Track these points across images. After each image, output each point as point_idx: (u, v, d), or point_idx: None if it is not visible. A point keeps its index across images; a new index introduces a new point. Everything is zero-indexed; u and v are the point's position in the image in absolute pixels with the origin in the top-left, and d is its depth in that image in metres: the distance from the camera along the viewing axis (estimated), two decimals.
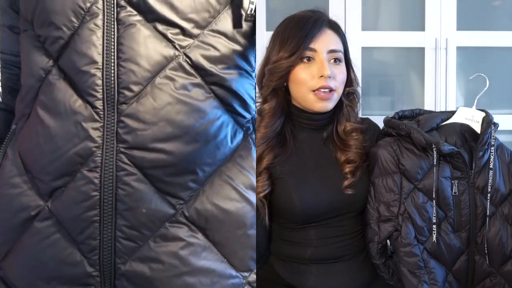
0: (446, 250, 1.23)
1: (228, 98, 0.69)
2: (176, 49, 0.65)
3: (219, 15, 0.67)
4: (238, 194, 0.68)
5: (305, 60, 1.23)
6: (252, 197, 0.70)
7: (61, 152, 0.64)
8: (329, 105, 1.24)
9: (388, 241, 1.26)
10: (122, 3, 0.64)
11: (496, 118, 1.30)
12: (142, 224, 0.63)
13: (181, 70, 0.64)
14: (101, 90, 0.64)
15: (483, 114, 1.30)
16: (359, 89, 1.33)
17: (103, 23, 0.64)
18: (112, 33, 0.63)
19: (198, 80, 0.66)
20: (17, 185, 0.67)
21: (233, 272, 0.69)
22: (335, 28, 1.27)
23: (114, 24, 0.63)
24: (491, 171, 1.22)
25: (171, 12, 0.64)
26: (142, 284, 0.64)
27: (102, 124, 0.63)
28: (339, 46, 1.26)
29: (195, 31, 0.66)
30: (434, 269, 1.23)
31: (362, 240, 1.29)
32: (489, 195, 1.22)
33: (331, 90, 1.22)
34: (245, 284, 0.70)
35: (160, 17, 0.64)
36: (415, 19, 2.26)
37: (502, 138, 1.32)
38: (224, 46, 0.68)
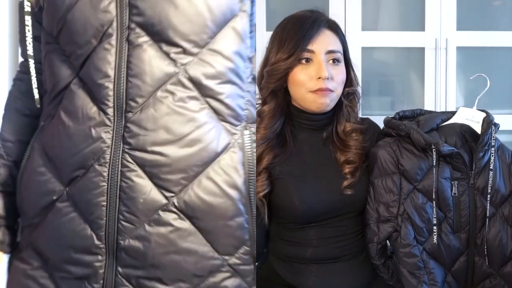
0: (445, 250, 1.23)
1: (220, 109, 0.82)
2: (177, 66, 0.79)
3: (216, 36, 0.79)
4: (220, 190, 0.81)
5: (303, 61, 1.22)
6: (233, 193, 0.83)
7: (78, 149, 0.81)
8: (328, 103, 1.24)
9: (387, 241, 1.26)
10: (132, 25, 0.78)
11: (496, 118, 1.30)
12: (140, 211, 0.80)
13: (180, 85, 0.79)
14: (112, 100, 0.79)
15: (484, 114, 1.30)
16: (359, 89, 1.33)
17: (116, 43, 0.78)
18: (123, 52, 0.78)
19: (195, 93, 0.80)
20: (43, 173, 0.84)
21: (215, 255, 0.83)
22: (334, 28, 1.27)
23: (125, 44, 0.78)
24: (491, 172, 1.22)
25: (174, 34, 0.77)
26: (137, 257, 0.81)
27: (112, 128, 0.80)
28: (337, 46, 1.25)
29: (195, 50, 0.79)
30: (433, 270, 1.23)
31: (362, 240, 1.29)
32: (489, 196, 1.22)
33: (329, 91, 1.22)
34: (225, 265, 0.84)
35: (164, 39, 0.78)
36: (415, 19, 2.26)
37: (502, 138, 1.31)
38: (220, 63, 0.80)
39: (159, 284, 0.82)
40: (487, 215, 1.22)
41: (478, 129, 1.28)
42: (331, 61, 1.24)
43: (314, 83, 1.21)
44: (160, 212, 0.81)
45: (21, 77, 0.95)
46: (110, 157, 0.80)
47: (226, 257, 0.84)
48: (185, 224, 0.82)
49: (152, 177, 0.80)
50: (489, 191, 1.22)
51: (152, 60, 0.78)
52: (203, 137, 0.81)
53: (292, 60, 1.21)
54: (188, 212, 0.82)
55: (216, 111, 0.82)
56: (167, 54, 0.78)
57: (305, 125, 1.29)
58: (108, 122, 0.80)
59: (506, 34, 2.23)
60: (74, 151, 0.82)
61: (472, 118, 1.30)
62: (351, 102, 1.30)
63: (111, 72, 0.79)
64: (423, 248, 1.22)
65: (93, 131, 0.80)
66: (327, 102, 1.23)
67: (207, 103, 0.81)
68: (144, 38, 0.78)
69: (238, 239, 0.85)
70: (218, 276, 0.83)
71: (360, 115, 1.36)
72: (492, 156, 1.23)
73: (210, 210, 0.82)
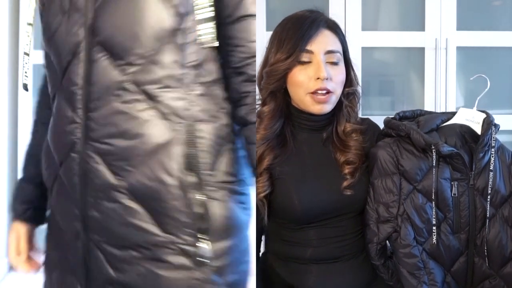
0: (445, 251, 1.22)
1: (161, 109, 0.98)
2: (124, 75, 0.97)
3: (158, 49, 0.97)
4: (155, 177, 0.98)
5: (302, 62, 1.22)
6: (167, 178, 0.99)
7: (61, 140, 1.04)
8: (327, 107, 1.23)
9: (387, 242, 1.26)
10: (94, 44, 0.98)
11: (496, 118, 1.29)
12: (96, 190, 1.00)
13: (126, 90, 0.97)
14: (81, 103, 1.00)
15: (484, 115, 1.29)
16: (359, 89, 1.33)
17: (84, 59, 0.99)
18: (88, 65, 0.99)
19: (139, 96, 0.97)
20: (51, 157, 1.08)
21: (160, 233, 0.99)
22: (333, 28, 1.26)
23: (89, 59, 0.99)
24: (491, 173, 1.22)
25: (122, 50, 0.97)
26: (96, 225, 1.01)
27: (81, 124, 1.00)
28: (336, 46, 1.25)
29: (139, 61, 0.97)
30: (433, 270, 1.22)
31: (362, 240, 1.28)
32: (489, 196, 1.22)
33: (328, 92, 1.21)
34: (169, 243, 0.99)
35: (115, 54, 0.97)
36: (415, 19, 2.26)
37: (502, 138, 1.31)
38: (161, 72, 0.98)
39: (115, 249, 1.01)
40: (487, 215, 1.22)
41: (478, 129, 1.28)
42: (330, 62, 1.23)
43: (313, 83, 1.21)
44: (113, 192, 0.99)
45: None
46: (80, 147, 1.01)
47: (171, 237, 1.00)
48: (133, 204, 0.99)
49: (105, 163, 1.00)
50: (489, 191, 1.22)
51: (106, 71, 0.98)
52: (144, 132, 0.98)
53: (290, 61, 1.21)
54: (134, 193, 0.99)
55: (158, 111, 0.99)
56: (117, 66, 0.98)
57: (305, 125, 1.28)
58: (78, 120, 1.01)
59: (506, 34, 2.24)
60: (59, 142, 1.05)
61: (472, 119, 1.30)
62: (351, 102, 1.29)
63: (80, 82, 1.00)
64: (422, 249, 1.22)
65: (68, 127, 1.02)
66: (325, 107, 1.23)
67: (149, 104, 0.98)
68: (101, 54, 0.98)
69: (177, 220, 1.00)
70: (164, 250, 1.00)
71: (360, 115, 1.35)
72: (492, 157, 1.23)
73: (150, 193, 0.99)
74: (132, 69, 0.97)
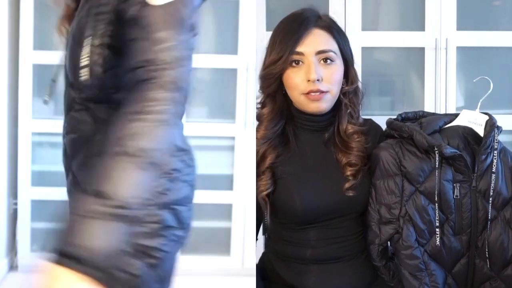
0: (446, 252, 1.22)
1: (94, 116, 1.07)
2: (74, 92, 1.10)
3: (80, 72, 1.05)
4: (85, 164, 1.03)
5: (293, 64, 1.21)
6: (94, 161, 0.94)
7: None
8: (323, 105, 1.22)
9: (388, 243, 1.26)
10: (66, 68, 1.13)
11: (496, 118, 1.30)
12: (68, 166, 1.13)
13: (75, 102, 1.09)
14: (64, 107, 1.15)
15: (486, 117, 1.29)
16: (360, 85, 1.31)
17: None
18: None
19: (82, 107, 1.08)
20: None
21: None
22: (325, 26, 1.24)
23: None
24: (493, 175, 1.22)
25: (69, 74, 1.11)
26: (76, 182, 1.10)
27: (65, 121, 1.12)
28: (329, 45, 1.22)
29: (75, 84, 1.07)
30: (435, 272, 1.22)
31: (363, 241, 1.28)
32: (491, 199, 1.22)
33: (322, 92, 1.20)
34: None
35: (68, 76, 1.12)
36: (415, 19, 2.25)
37: (502, 138, 1.31)
38: (88, 92, 1.06)
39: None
40: (489, 218, 1.22)
41: (480, 131, 1.28)
42: (322, 61, 1.21)
43: (305, 85, 1.20)
44: (70, 172, 1.12)
45: None
46: (65, 137, 1.13)
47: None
48: (76, 181, 1.09)
49: (68, 150, 1.12)
50: (491, 194, 1.22)
51: (68, 89, 1.11)
52: (81, 129, 1.07)
53: (281, 63, 1.20)
54: (75, 176, 1.09)
55: (92, 117, 1.07)
56: (71, 86, 1.09)
57: (306, 126, 1.28)
58: (64, 119, 1.13)
59: (506, 34, 2.23)
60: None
61: (475, 121, 1.30)
62: (351, 101, 1.28)
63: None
64: (424, 250, 1.22)
65: (64, 123, 1.15)
66: (321, 105, 1.22)
67: (88, 112, 1.07)
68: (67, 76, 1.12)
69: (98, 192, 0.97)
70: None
71: (360, 116, 1.35)
72: (495, 159, 1.23)
73: (81, 178, 1.03)
74: (74, 89, 1.09)
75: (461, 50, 2.22)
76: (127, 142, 0.81)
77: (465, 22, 2.22)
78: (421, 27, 2.23)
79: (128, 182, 0.81)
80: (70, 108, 1.10)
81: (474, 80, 1.41)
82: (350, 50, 1.29)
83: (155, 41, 0.85)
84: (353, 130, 1.27)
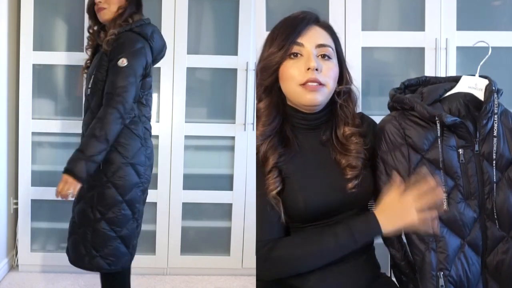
0: (460, 218, 1.24)
1: (94, 111, 1.76)
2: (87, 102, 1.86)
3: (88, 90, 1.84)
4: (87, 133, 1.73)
5: (292, 56, 1.22)
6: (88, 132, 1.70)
7: None
8: (318, 98, 1.22)
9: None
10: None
11: None
12: None
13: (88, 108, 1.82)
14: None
15: (486, 81, 1.31)
16: (354, 88, 1.32)
17: None
18: None
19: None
20: None
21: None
22: (325, 25, 1.28)
23: None
24: (495, 139, 1.25)
25: (87, 96, 1.88)
26: None
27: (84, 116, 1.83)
28: (328, 41, 1.25)
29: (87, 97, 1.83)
30: (443, 238, 1.23)
31: None
32: (494, 161, 1.24)
33: (320, 83, 1.21)
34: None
35: (86, 97, 1.87)
36: (415, 19, 2.26)
37: None
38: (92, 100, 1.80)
39: None
40: (494, 180, 1.24)
41: (481, 96, 1.30)
42: (321, 56, 1.23)
43: (303, 75, 1.21)
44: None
45: None
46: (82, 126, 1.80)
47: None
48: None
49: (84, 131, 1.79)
50: (494, 156, 1.24)
51: (86, 101, 1.82)
52: (90, 119, 1.72)
53: (282, 53, 1.22)
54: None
55: (92, 114, 1.75)
56: (86, 98, 1.81)
57: (301, 125, 1.29)
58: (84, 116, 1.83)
59: (506, 34, 2.23)
60: None
61: (475, 86, 1.32)
62: (346, 102, 1.29)
63: None
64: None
65: (84, 118, 1.83)
66: (317, 97, 1.22)
67: (91, 113, 1.76)
68: None
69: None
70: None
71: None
72: (495, 123, 1.26)
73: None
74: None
75: (461, 50, 2.22)
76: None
77: (465, 22, 2.22)
78: (421, 27, 2.23)
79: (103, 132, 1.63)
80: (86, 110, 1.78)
81: (472, 45, 1.41)
82: (344, 54, 1.32)
83: (115, 84, 1.66)
84: (350, 132, 1.27)
